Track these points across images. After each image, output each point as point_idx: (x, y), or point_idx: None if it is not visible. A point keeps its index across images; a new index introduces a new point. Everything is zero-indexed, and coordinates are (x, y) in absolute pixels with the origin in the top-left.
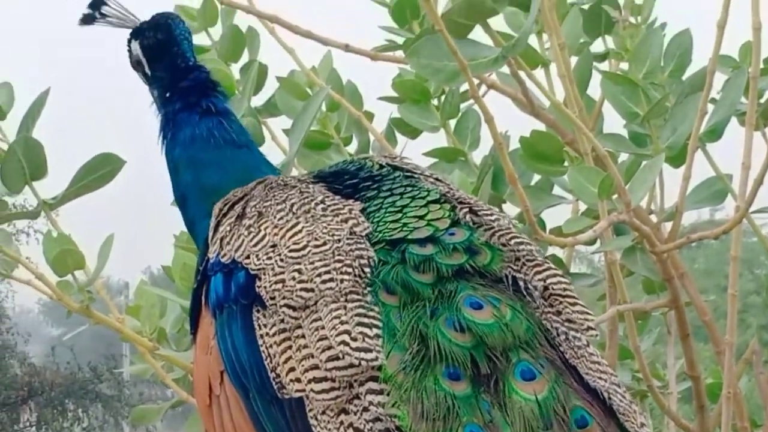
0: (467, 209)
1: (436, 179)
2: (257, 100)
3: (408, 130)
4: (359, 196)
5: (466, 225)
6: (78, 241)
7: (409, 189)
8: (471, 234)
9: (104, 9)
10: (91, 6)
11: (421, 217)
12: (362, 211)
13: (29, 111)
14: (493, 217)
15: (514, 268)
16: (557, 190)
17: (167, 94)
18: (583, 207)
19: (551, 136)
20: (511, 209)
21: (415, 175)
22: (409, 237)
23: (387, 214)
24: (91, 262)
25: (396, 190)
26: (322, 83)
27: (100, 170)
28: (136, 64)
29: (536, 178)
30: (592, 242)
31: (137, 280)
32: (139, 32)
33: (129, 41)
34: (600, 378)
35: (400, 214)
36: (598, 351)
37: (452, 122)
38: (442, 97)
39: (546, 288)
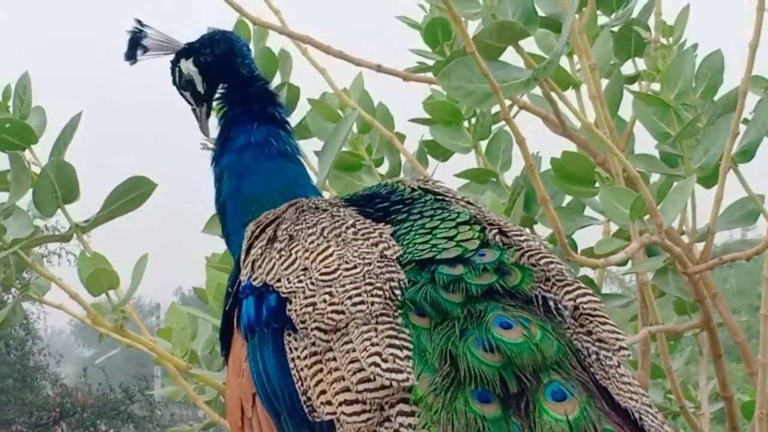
0: (497, 230)
1: (468, 202)
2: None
3: (439, 152)
4: (390, 219)
5: (496, 246)
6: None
7: (439, 211)
8: (501, 254)
9: (145, 41)
10: (130, 46)
11: (450, 238)
12: (393, 234)
13: (61, 134)
14: (522, 238)
15: (544, 288)
16: (589, 211)
17: (228, 104)
18: (614, 228)
19: (582, 157)
20: (542, 230)
21: (446, 198)
22: (438, 257)
23: (417, 236)
24: (122, 284)
25: (426, 213)
26: (354, 104)
27: (132, 193)
28: (186, 84)
29: (568, 199)
30: (623, 263)
31: (168, 302)
32: (191, 51)
33: (175, 62)
34: (631, 398)
35: (429, 236)
36: (631, 371)
37: (483, 143)
38: (474, 119)
39: (576, 308)
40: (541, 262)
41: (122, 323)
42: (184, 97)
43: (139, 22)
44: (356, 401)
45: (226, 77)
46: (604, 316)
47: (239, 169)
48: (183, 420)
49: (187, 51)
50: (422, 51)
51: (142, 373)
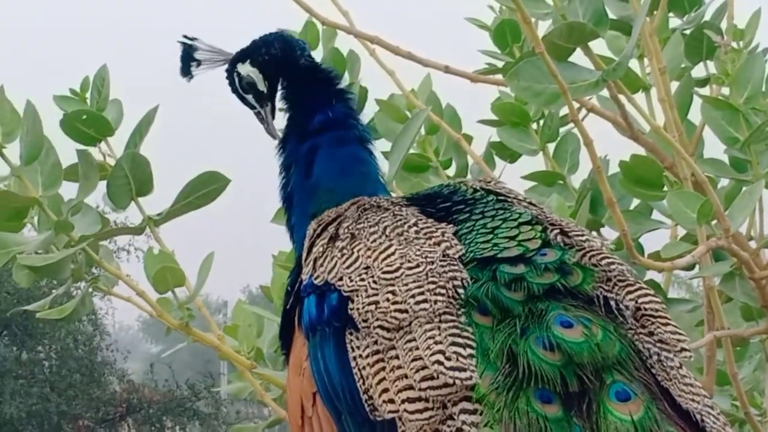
0: (558, 231)
1: (530, 203)
2: None
3: (507, 154)
4: (452, 219)
5: (558, 246)
6: (177, 260)
7: (500, 211)
8: (562, 254)
9: (196, 55)
10: (183, 62)
11: (512, 238)
12: (455, 234)
13: (137, 127)
14: (584, 238)
15: (606, 288)
16: (656, 215)
17: (294, 94)
18: (682, 232)
19: (651, 161)
20: (609, 233)
21: (508, 199)
22: (500, 256)
23: (478, 236)
24: (190, 281)
25: (488, 213)
26: (422, 105)
27: (205, 188)
28: (247, 86)
29: (635, 202)
30: (690, 267)
31: (236, 300)
32: (246, 54)
33: (232, 69)
34: (693, 400)
35: (491, 235)
36: (696, 376)
37: (551, 146)
38: (541, 121)
39: (638, 308)
40: (603, 262)
41: (188, 321)
42: (246, 101)
43: (187, 37)
44: (419, 399)
45: (288, 72)
46: (665, 317)
47: (312, 154)
48: (248, 417)
49: (242, 54)
50: (491, 52)
51: (209, 370)
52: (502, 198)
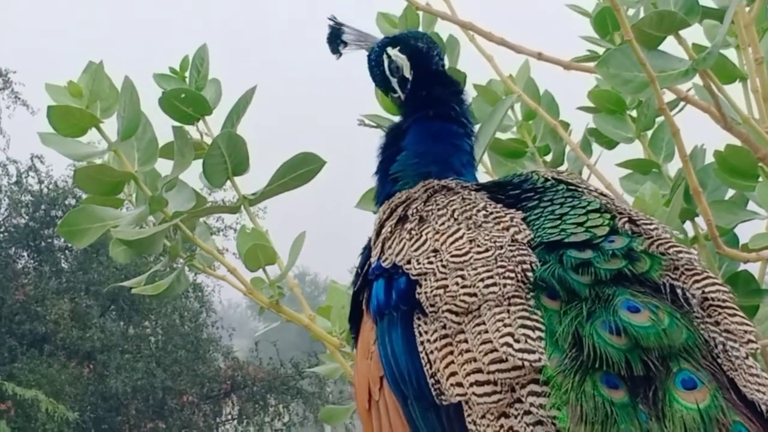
0: (626, 219)
1: (600, 194)
2: None
3: (604, 141)
4: (521, 205)
5: (626, 233)
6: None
7: (570, 199)
8: (630, 241)
9: (344, 37)
10: (331, 41)
11: (580, 224)
12: (523, 219)
13: (235, 107)
14: (652, 227)
15: (673, 276)
16: (752, 206)
17: (419, 91)
18: None
19: (746, 151)
20: (703, 222)
21: (579, 189)
22: (567, 240)
23: (546, 222)
24: (305, 261)
25: (557, 200)
26: (519, 91)
27: (300, 169)
28: (396, 69)
29: (731, 192)
30: None
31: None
32: (397, 40)
33: (382, 49)
34: (758, 390)
35: (559, 221)
36: None
37: (648, 134)
38: (638, 109)
39: (705, 298)
40: (671, 250)
41: (278, 299)
42: (389, 84)
43: (335, 19)
44: (488, 382)
45: (421, 69)
46: (733, 308)
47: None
48: (352, 397)
49: (394, 40)
50: (592, 38)
51: (313, 349)
52: (572, 187)
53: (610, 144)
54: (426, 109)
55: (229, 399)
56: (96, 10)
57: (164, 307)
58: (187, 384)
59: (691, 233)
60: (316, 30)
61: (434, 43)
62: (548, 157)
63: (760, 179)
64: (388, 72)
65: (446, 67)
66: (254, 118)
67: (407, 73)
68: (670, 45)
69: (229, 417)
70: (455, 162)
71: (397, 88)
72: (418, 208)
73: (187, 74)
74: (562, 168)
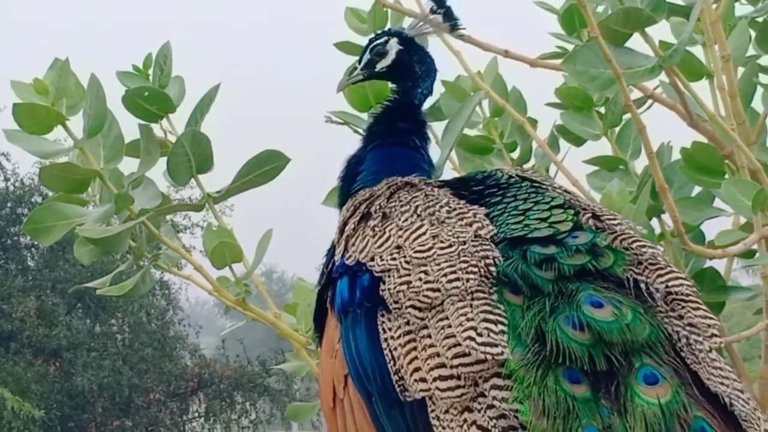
0: (590, 215)
1: (564, 190)
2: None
3: (571, 138)
4: (484, 201)
5: (589, 229)
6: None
7: (533, 195)
8: (594, 237)
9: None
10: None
11: (543, 220)
12: (486, 215)
13: (198, 105)
14: (615, 222)
15: (636, 271)
16: (718, 203)
17: (389, 116)
18: (744, 220)
19: (712, 148)
20: (670, 219)
21: (543, 185)
22: (530, 236)
23: (509, 217)
24: (272, 258)
25: (520, 196)
26: (487, 88)
27: (265, 166)
28: (377, 55)
29: (697, 189)
30: (751, 255)
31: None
32: (405, 40)
33: (388, 38)
34: (722, 383)
35: (522, 217)
36: (756, 365)
37: (615, 131)
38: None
39: (669, 292)
40: (634, 245)
41: (244, 297)
42: (362, 59)
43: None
44: (451, 376)
45: (402, 85)
46: (696, 302)
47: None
48: (318, 395)
49: (403, 38)
50: (560, 35)
51: (280, 347)
52: (536, 184)
53: (577, 141)
54: (386, 138)
55: (196, 397)
56: (96, 10)
57: (131, 305)
58: (154, 382)
59: (657, 230)
60: (283, 27)
61: (431, 66)
62: (515, 154)
63: (726, 176)
64: (371, 51)
65: (425, 100)
66: (221, 117)
67: (381, 66)
68: (636, 42)
69: (196, 415)
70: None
71: (363, 65)
72: (381, 204)
73: (150, 72)
74: (529, 165)
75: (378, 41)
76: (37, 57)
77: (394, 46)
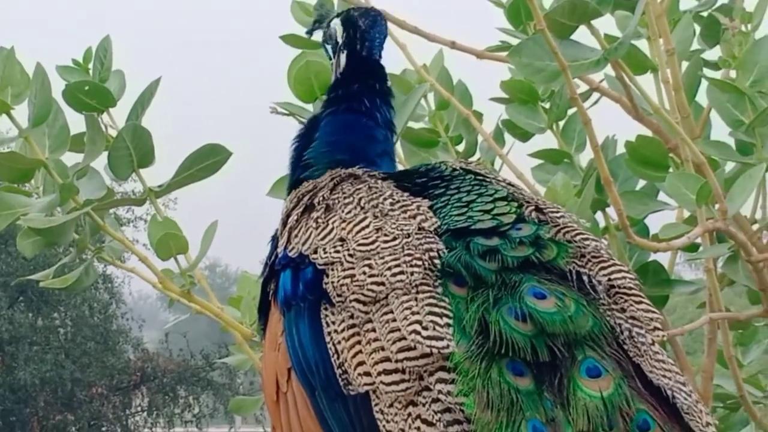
0: (533, 207)
1: (509, 184)
2: None
3: (517, 132)
4: (427, 193)
5: (533, 221)
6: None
7: (477, 187)
8: (537, 229)
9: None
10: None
11: (486, 212)
12: (430, 207)
13: (139, 99)
14: (558, 215)
15: (579, 263)
16: (662, 197)
17: (348, 77)
18: (687, 214)
19: (656, 142)
20: (614, 213)
21: (487, 178)
22: (473, 227)
23: (453, 209)
24: (216, 252)
25: (464, 189)
26: (433, 81)
27: (207, 160)
28: (329, 37)
29: (642, 183)
30: (694, 248)
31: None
32: (344, 13)
33: (330, 22)
34: (664, 376)
35: (466, 209)
36: (698, 358)
37: (560, 124)
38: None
39: (612, 285)
40: (577, 238)
41: (189, 288)
42: (326, 51)
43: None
44: (396, 371)
45: (353, 52)
46: (639, 295)
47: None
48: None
49: (344, 14)
50: (507, 29)
51: (224, 341)
52: (480, 177)
53: (523, 135)
54: (340, 104)
55: (138, 391)
56: (96, 10)
57: (73, 299)
58: (97, 376)
59: (602, 223)
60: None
61: (380, 27)
62: (461, 147)
63: (671, 170)
64: (324, 39)
65: (379, 52)
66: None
67: (339, 38)
68: (582, 35)
69: (139, 409)
70: (369, 152)
71: (331, 54)
72: (325, 196)
73: (90, 66)
74: (474, 158)
75: (325, 33)
76: (37, 57)
77: (337, 23)
